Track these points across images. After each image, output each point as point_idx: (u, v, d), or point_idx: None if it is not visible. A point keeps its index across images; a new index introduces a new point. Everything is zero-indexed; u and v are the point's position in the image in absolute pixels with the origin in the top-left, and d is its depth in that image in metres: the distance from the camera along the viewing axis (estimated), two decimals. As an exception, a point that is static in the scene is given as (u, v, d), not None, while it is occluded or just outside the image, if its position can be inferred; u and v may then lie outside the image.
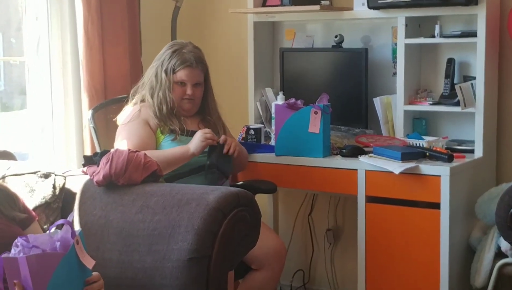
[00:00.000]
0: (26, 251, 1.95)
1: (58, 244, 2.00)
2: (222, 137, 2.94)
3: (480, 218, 2.96)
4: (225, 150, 2.90)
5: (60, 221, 2.05)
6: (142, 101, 3.02)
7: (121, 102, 3.18)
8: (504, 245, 2.74)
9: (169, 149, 2.90)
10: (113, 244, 2.45)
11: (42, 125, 3.27)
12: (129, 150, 2.62)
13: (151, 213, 2.44)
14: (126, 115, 3.00)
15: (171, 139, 2.94)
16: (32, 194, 2.63)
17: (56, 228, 2.07)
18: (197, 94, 3.02)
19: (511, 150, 3.27)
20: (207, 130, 2.91)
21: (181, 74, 2.97)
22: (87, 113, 3.18)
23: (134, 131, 2.93)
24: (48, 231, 2.06)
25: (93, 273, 2.09)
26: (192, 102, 3.02)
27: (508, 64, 3.25)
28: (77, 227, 2.55)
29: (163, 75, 2.97)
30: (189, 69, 2.97)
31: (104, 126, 3.19)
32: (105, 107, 3.22)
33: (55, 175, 2.68)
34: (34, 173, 2.68)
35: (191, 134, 2.96)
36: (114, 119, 3.04)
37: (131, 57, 3.39)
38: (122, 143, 2.89)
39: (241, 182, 3.14)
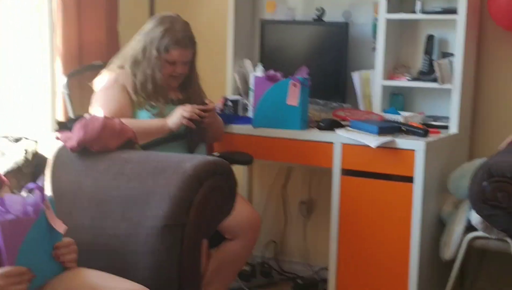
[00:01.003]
0: (0, 215, 1.94)
1: (30, 209, 1.98)
2: (207, 102, 2.95)
3: (452, 193, 3.00)
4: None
5: (30, 185, 2.04)
6: (120, 68, 2.98)
7: (96, 69, 3.14)
8: (474, 218, 2.77)
9: (147, 121, 2.87)
10: (86, 210, 2.43)
11: (14, 89, 3.22)
12: (104, 116, 2.60)
13: (126, 180, 2.42)
14: (103, 80, 2.96)
15: (154, 113, 2.91)
16: (3, 158, 2.60)
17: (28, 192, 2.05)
18: (185, 71, 3.00)
19: (485, 127, 3.31)
20: (187, 107, 2.87)
21: (173, 54, 2.92)
22: (62, 79, 3.14)
23: (112, 97, 2.89)
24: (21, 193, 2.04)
25: (67, 239, 2.07)
26: (178, 79, 3.00)
27: (487, 42, 3.27)
28: (49, 192, 2.53)
29: (154, 52, 2.91)
30: (182, 50, 2.94)
31: (78, 92, 3.15)
32: (80, 74, 3.19)
33: (27, 139, 2.64)
34: (5, 137, 2.64)
35: (171, 101, 2.95)
36: (90, 83, 3.00)
37: (108, 24, 3.35)
38: (98, 109, 2.86)
39: (217, 153, 3.13)
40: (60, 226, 2.00)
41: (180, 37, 2.93)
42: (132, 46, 2.98)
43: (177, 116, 2.86)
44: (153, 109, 2.92)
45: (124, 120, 2.68)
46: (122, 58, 2.99)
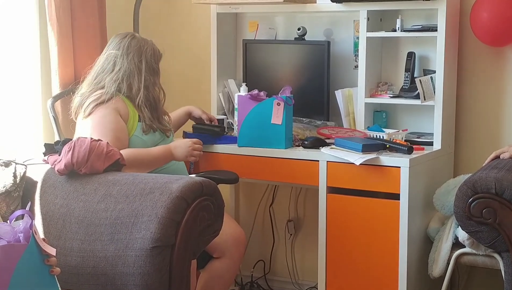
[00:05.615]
0: None
1: (21, 235, 1.97)
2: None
3: (438, 209, 3.02)
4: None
5: (19, 212, 2.03)
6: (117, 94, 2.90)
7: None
8: (461, 235, 2.79)
9: (153, 150, 2.87)
10: (75, 233, 2.43)
11: (3, 112, 3.21)
12: (91, 138, 2.61)
13: (114, 202, 2.43)
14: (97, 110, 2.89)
15: (143, 132, 2.91)
16: (-8, 183, 2.59)
17: (15, 220, 2.04)
18: None
19: (469, 142, 3.34)
20: (197, 146, 2.92)
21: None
22: (47, 102, 3.14)
23: (109, 126, 2.83)
24: (9, 222, 2.03)
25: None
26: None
27: (467, 58, 3.31)
28: (38, 216, 2.53)
29: (154, 65, 2.95)
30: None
31: (64, 115, 3.15)
32: (65, 96, 3.19)
33: (16, 163, 2.64)
34: (-5, 161, 2.64)
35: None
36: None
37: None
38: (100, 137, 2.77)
39: (203, 172, 3.14)
40: (51, 250, 2.01)
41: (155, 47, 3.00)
42: (122, 66, 2.90)
43: (185, 151, 2.89)
44: (151, 136, 2.92)
45: (129, 150, 2.74)
46: (112, 80, 2.89)
